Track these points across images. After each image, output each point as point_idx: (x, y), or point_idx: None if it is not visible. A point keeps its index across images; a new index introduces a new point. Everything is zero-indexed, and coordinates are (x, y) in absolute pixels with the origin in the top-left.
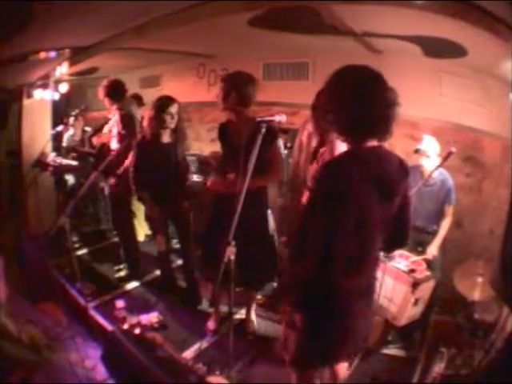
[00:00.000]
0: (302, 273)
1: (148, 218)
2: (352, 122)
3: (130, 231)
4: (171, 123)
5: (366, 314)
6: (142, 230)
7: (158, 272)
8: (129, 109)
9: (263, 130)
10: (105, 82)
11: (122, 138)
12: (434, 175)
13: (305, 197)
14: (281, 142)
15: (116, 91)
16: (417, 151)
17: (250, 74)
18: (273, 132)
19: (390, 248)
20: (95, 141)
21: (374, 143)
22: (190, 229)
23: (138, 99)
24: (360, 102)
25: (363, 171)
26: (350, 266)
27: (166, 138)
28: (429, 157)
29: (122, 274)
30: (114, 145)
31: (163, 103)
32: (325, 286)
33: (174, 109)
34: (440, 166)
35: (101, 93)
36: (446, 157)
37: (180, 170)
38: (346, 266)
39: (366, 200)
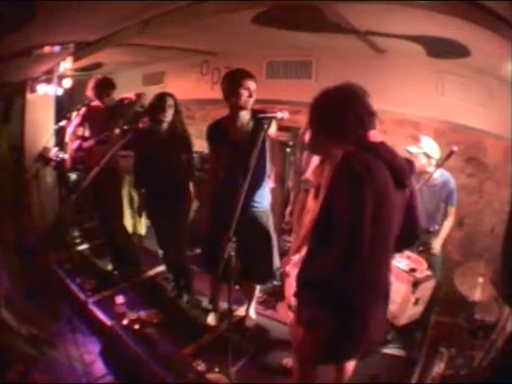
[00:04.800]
0: (327, 262)
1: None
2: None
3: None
4: (165, 117)
5: (380, 309)
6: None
7: (158, 268)
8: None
9: (266, 126)
10: (93, 81)
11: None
12: (435, 176)
13: (303, 195)
14: None
15: (106, 87)
16: (409, 152)
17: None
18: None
19: (399, 246)
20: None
21: (377, 139)
22: (182, 224)
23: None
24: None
25: (378, 160)
26: (371, 258)
27: (165, 131)
28: (419, 160)
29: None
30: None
31: (164, 97)
32: (350, 273)
33: (171, 101)
34: (442, 164)
35: (92, 89)
36: (448, 155)
37: (181, 168)
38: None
39: (384, 185)
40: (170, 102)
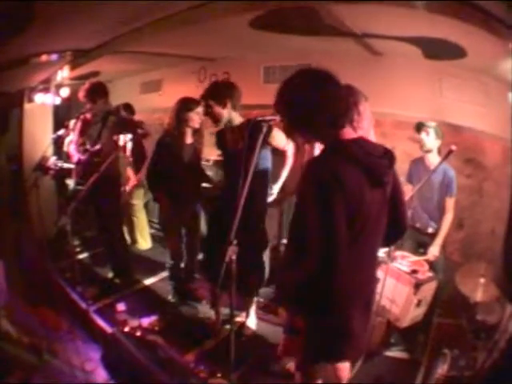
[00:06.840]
0: (302, 273)
1: (160, 221)
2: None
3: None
4: (198, 123)
5: (365, 313)
6: (145, 240)
7: (159, 275)
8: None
9: (265, 129)
10: (86, 84)
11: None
12: (435, 164)
13: None
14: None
15: (97, 91)
16: (421, 125)
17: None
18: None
19: (389, 239)
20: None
21: (352, 135)
22: (198, 232)
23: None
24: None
25: (347, 160)
26: (349, 261)
27: (189, 138)
28: (430, 134)
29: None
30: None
31: (191, 102)
32: (328, 283)
33: (200, 108)
34: (440, 164)
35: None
36: (447, 155)
37: (198, 172)
38: (346, 261)
39: (355, 187)
40: (200, 108)
